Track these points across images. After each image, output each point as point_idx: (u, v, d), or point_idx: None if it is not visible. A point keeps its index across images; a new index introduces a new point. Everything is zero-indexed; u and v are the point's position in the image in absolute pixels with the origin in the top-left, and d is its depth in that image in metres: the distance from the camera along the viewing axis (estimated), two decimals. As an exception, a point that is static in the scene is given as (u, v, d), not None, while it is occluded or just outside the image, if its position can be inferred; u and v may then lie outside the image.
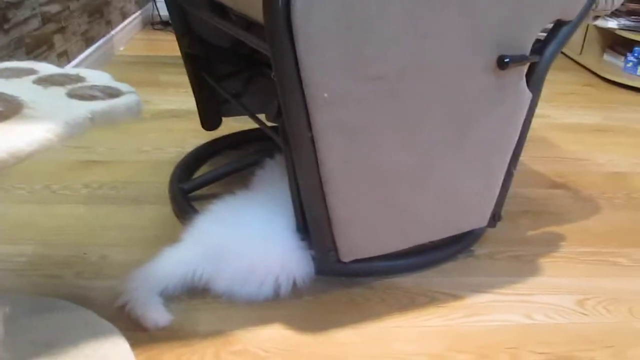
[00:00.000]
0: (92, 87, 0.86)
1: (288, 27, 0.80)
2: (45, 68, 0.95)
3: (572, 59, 2.94)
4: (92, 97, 0.81)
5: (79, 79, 0.90)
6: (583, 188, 1.55)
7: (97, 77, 0.92)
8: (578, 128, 2.02)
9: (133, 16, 2.93)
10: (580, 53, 2.88)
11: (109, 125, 0.80)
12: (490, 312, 1.03)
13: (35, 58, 1.74)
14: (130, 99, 0.83)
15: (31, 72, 0.92)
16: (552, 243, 1.28)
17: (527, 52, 0.99)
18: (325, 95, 0.84)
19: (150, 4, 3.22)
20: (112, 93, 0.84)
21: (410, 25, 0.86)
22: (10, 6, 1.58)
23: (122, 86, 0.88)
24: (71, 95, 0.82)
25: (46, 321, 0.90)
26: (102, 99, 0.81)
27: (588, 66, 2.79)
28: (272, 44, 0.82)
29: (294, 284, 1.03)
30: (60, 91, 0.83)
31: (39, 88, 0.84)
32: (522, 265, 1.19)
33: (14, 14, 1.60)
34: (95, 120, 0.77)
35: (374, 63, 0.86)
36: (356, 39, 0.83)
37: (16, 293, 0.97)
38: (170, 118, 1.87)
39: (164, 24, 3.16)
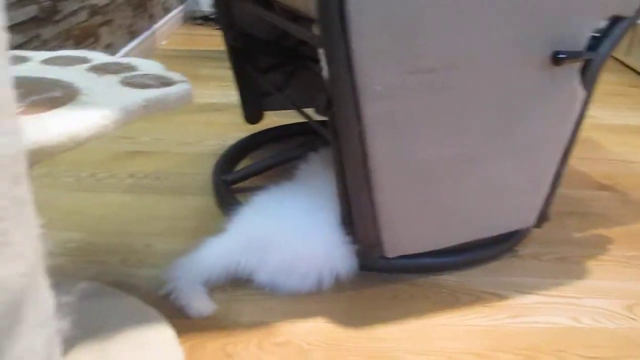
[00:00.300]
0: (145, 75, 0.87)
1: (341, 20, 0.80)
2: (98, 57, 0.97)
3: (618, 60, 2.87)
4: (146, 85, 0.82)
5: (131, 67, 0.91)
6: (630, 190, 1.51)
7: (149, 66, 0.93)
8: (625, 129, 1.97)
9: (175, 11, 2.96)
10: (627, 54, 2.81)
11: (161, 113, 0.81)
12: (536, 314, 1.01)
13: (83, 49, 1.77)
14: (182, 87, 0.84)
15: (84, 60, 0.94)
16: (599, 245, 1.24)
17: (582, 48, 0.96)
18: (377, 87, 0.83)
19: (191, -1, 3.26)
20: (165, 82, 0.84)
21: (462, 18, 0.85)
22: (61, -2, 1.62)
23: (173, 75, 0.88)
24: (125, 83, 0.83)
25: (94, 306, 0.92)
26: (155, 87, 0.82)
27: (635, 67, 2.72)
28: (325, 36, 0.82)
29: (337, 278, 1.02)
30: (113, 79, 0.84)
31: (93, 76, 0.85)
32: (568, 267, 1.16)
33: (63, 6, 1.63)
34: (149, 108, 0.78)
35: (425, 56, 0.85)
36: (408, 32, 0.82)
37: (66, 277, 0.98)
38: (211, 111, 1.88)
39: (205, 19, 3.19)
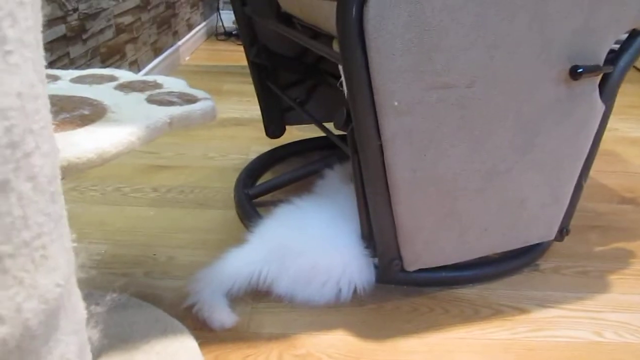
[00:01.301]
0: (170, 93, 0.90)
1: (360, 36, 0.82)
2: (125, 75, 1.00)
3: (638, 69, 2.84)
4: (170, 103, 0.85)
5: (156, 85, 0.94)
6: (654, 204, 1.49)
7: (174, 84, 0.96)
8: (648, 142, 1.95)
9: (198, 27, 3.02)
10: (650, 65, 2.78)
11: (185, 129, 0.84)
12: (557, 328, 1.01)
13: (109, 66, 1.82)
14: (205, 104, 0.86)
15: (112, 78, 0.97)
16: (621, 259, 1.24)
17: (601, 62, 0.97)
18: (396, 103, 0.85)
19: (214, 16, 3.32)
20: (189, 99, 0.87)
21: (482, 34, 0.86)
22: (88, 17, 1.66)
23: (197, 92, 0.91)
24: (150, 100, 0.85)
25: (119, 317, 0.94)
26: (180, 104, 0.84)
27: (659, 79, 2.69)
28: (345, 53, 0.84)
29: (355, 290, 1.03)
30: (139, 97, 0.87)
31: (120, 94, 0.88)
32: (590, 281, 1.15)
33: (91, 25, 1.68)
34: (174, 125, 0.80)
35: (445, 72, 0.86)
36: (427, 48, 0.84)
37: (93, 289, 1.01)
38: (234, 126, 1.91)
39: (227, 35, 3.25)
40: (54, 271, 0.26)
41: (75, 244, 0.31)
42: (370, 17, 0.80)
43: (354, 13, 0.80)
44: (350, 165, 1.26)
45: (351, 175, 1.20)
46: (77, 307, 0.30)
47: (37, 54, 0.25)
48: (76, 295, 0.31)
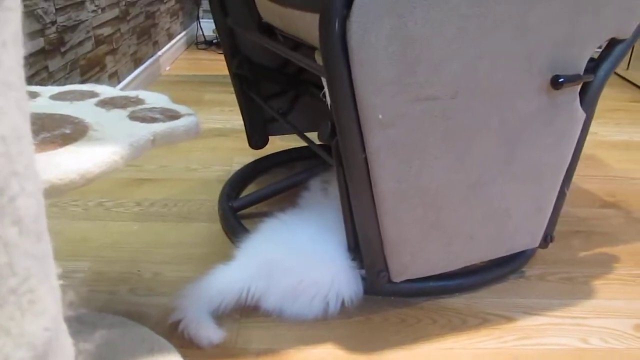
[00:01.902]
0: (152, 109, 0.89)
1: (344, 50, 0.81)
2: (106, 91, 0.99)
3: (619, 75, 2.88)
4: (153, 119, 0.84)
5: (138, 101, 0.93)
6: (634, 207, 1.51)
7: (156, 99, 0.95)
8: (627, 146, 1.98)
9: (178, 37, 3.00)
10: (627, 68, 2.83)
11: (167, 146, 0.83)
12: (544, 335, 1.01)
13: (89, 79, 1.80)
14: (189, 120, 0.85)
15: (93, 94, 0.96)
16: (605, 264, 1.25)
17: (581, 71, 0.98)
18: (380, 116, 0.85)
19: (194, 25, 3.30)
20: (172, 115, 0.86)
21: (464, 46, 0.86)
22: (67, 29, 1.64)
23: (180, 108, 0.90)
24: (133, 117, 0.84)
25: (104, 337, 0.93)
26: (162, 120, 0.83)
27: (635, 82, 2.74)
28: (328, 66, 0.83)
29: (344, 303, 1.03)
30: (122, 113, 0.86)
31: (102, 110, 0.87)
32: (575, 287, 1.16)
33: (70, 37, 1.66)
34: (156, 142, 0.80)
35: (428, 84, 0.87)
36: (410, 61, 0.84)
37: (81, 326, 0.99)
38: (216, 137, 1.90)
39: (208, 44, 3.23)
40: (42, 315, 0.25)
41: (62, 282, 0.30)
42: (353, 30, 0.80)
43: (336, 27, 0.80)
44: (330, 176, 1.27)
45: (328, 185, 1.20)
46: (65, 347, 0.29)
47: (21, 92, 0.25)
48: (64, 334, 0.30)
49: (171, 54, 2.83)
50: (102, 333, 0.92)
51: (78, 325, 0.93)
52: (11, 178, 0.22)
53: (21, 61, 0.26)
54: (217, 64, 2.87)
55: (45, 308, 0.26)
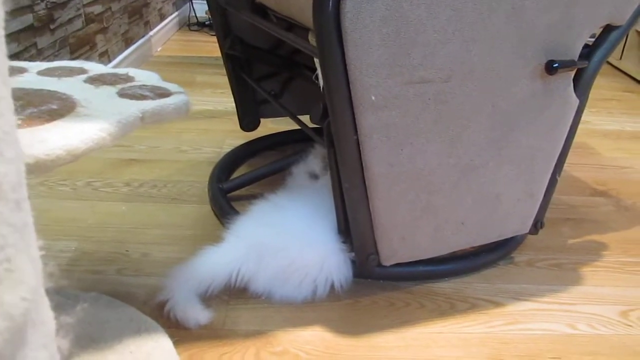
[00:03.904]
0: (142, 86, 0.87)
1: (337, 30, 0.80)
2: (95, 67, 0.97)
3: (611, 65, 2.89)
4: (142, 97, 0.82)
5: (128, 78, 0.91)
6: (625, 196, 1.52)
7: (146, 77, 0.93)
8: (619, 135, 1.98)
9: (170, 17, 2.97)
10: (620, 58, 2.83)
11: (157, 124, 0.82)
12: (532, 321, 1.02)
13: (78, 57, 1.78)
14: (179, 99, 0.84)
15: (82, 71, 0.94)
16: (594, 252, 1.25)
17: (576, 57, 0.97)
18: (373, 98, 0.84)
19: (187, 6, 3.26)
20: (162, 93, 0.85)
21: (459, 29, 0.85)
22: (57, 6, 1.62)
23: (170, 86, 0.89)
24: (122, 94, 0.83)
25: (91, 316, 0.92)
26: (152, 98, 0.82)
27: (628, 72, 2.74)
28: (321, 47, 0.82)
29: (333, 286, 1.03)
30: (111, 90, 0.85)
31: (91, 87, 0.86)
32: (564, 273, 1.17)
33: (59, 14, 1.63)
34: (146, 120, 0.78)
35: (421, 66, 0.86)
36: (404, 43, 0.83)
37: (63, 288, 0.98)
38: (207, 118, 1.89)
39: (200, 25, 3.20)
40: (20, 285, 0.24)
41: (43, 252, 0.29)
42: (347, 10, 0.78)
43: (330, 6, 0.79)
44: (315, 160, 1.26)
45: (314, 171, 1.20)
46: (45, 320, 0.29)
47: (3, 66, 0.24)
48: (45, 306, 0.29)
49: (163, 34, 2.80)
50: (85, 308, 0.91)
51: (60, 298, 0.92)
52: (-13, 144, 0.22)
53: (1, 24, 0.25)
54: (209, 46, 2.84)
55: (24, 278, 0.25)
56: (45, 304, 0.30)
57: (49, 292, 0.30)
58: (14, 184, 0.25)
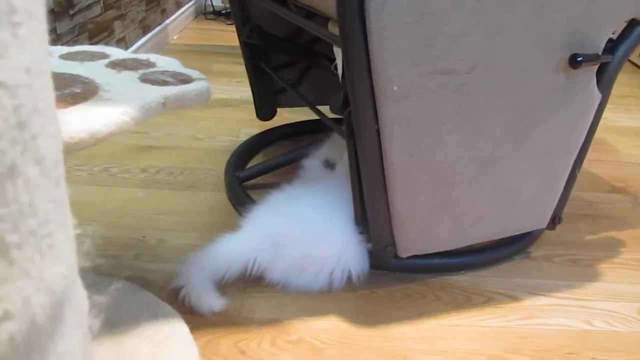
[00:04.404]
0: (164, 72, 0.87)
1: (361, 19, 0.80)
2: (117, 52, 0.97)
3: (630, 61, 2.85)
4: (164, 82, 0.82)
5: (149, 64, 0.91)
6: (643, 194, 1.50)
7: (168, 63, 0.93)
8: (637, 132, 1.96)
9: (187, 5, 2.97)
10: (639, 55, 2.79)
11: (177, 110, 0.82)
12: (549, 316, 1.01)
13: (97, 43, 1.78)
14: (200, 85, 0.84)
15: (103, 56, 0.94)
16: (611, 248, 1.24)
17: (600, 51, 0.96)
18: (395, 88, 0.83)
19: (203, -6, 3.26)
20: (183, 79, 0.85)
21: (483, 20, 0.84)
22: (76, -8, 1.62)
23: (192, 72, 0.89)
24: (144, 79, 0.83)
25: (110, 300, 0.92)
26: (174, 84, 0.82)
27: (647, 69, 2.71)
28: (345, 36, 0.82)
29: (349, 276, 1.03)
30: (132, 75, 0.85)
31: (112, 72, 0.86)
32: (581, 269, 1.16)
33: (78, 0, 1.64)
34: (167, 105, 0.78)
35: (445, 57, 0.85)
36: (428, 33, 0.82)
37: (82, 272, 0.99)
38: (223, 107, 1.88)
39: (216, 14, 3.19)
40: (60, 261, 0.24)
41: (78, 231, 0.29)
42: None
43: (355, -5, 0.78)
44: (330, 148, 1.26)
45: (326, 161, 1.19)
46: (79, 298, 0.29)
47: (43, 27, 0.24)
48: (79, 285, 0.29)
49: (179, 22, 2.79)
50: (107, 296, 0.92)
51: (95, 277, 0.93)
52: (34, 114, 0.21)
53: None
54: (225, 35, 2.84)
55: (63, 255, 0.25)
56: (78, 282, 0.30)
57: (84, 270, 0.30)
58: (55, 160, 0.25)
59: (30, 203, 0.22)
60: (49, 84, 0.25)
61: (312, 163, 1.28)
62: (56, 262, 0.24)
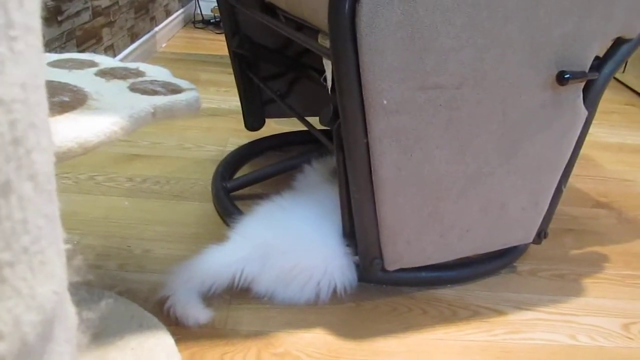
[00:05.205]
0: (153, 81, 0.87)
1: (352, 33, 0.80)
2: (106, 61, 0.97)
3: (615, 78, 2.89)
4: (154, 92, 0.82)
5: (139, 73, 0.91)
6: (627, 209, 1.52)
7: (157, 72, 0.93)
8: (621, 148, 1.99)
9: (176, 14, 2.96)
10: (624, 72, 2.83)
11: (168, 120, 0.81)
12: (534, 330, 1.02)
13: (85, 51, 1.77)
14: (190, 95, 0.84)
15: (92, 64, 0.94)
16: (596, 263, 1.25)
17: (587, 68, 0.97)
18: (385, 102, 0.84)
19: (192, 3, 3.26)
20: (173, 89, 0.84)
21: (473, 36, 0.85)
22: (65, -2, 1.61)
23: (181, 82, 0.89)
24: (133, 89, 0.83)
25: (93, 311, 0.91)
26: (164, 94, 0.82)
27: (631, 85, 2.75)
28: (335, 49, 0.82)
29: (336, 289, 1.02)
30: (122, 84, 0.84)
31: (102, 80, 0.85)
32: (566, 284, 1.16)
33: (67, 7, 1.63)
34: (157, 115, 0.78)
35: (434, 72, 0.85)
36: (419, 48, 0.83)
37: (89, 294, 0.97)
38: (211, 116, 1.88)
39: (205, 23, 3.19)
40: (52, 278, 0.24)
41: (69, 246, 0.29)
42: (362, 13, 0.78)
43: (346, 9, 0.78)
44: (330, 161, 1.26)
45: (332, 172, 1.19)
46: (69, 314, 0.28)
47: (39, 39, 0.23)
48: (68, 301, 0.29)
49: (168, 31, 2.79)
50: (91, 307, 0.91)
51: (85, 293, 0.91)
52: (29, 129, 0.21)
53: (39, 6, 0.24)
54: (214, 44, 2.84)
55: (54, 271, 0.25)
56: (68, 298, 0.29)
57: (75, 285, 0.30)
58: (48, 174, 0.24)
59: (24, 220, 0.21)
60: (43, 97, 0.24)
61: (313, 171, 1.27)
62: (47, 280, 0.24)
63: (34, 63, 0.22)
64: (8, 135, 0.19)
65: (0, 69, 0.19)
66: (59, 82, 0.80)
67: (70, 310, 0.29)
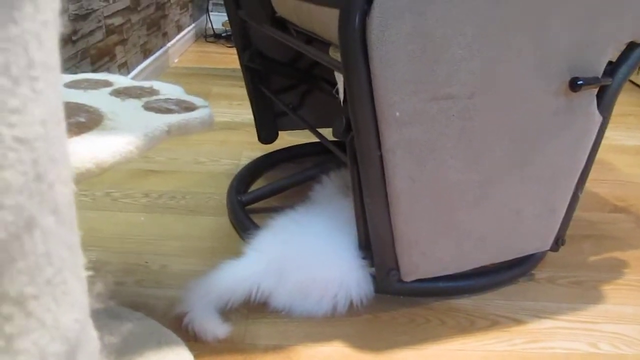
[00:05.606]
0: (167, 100, 0.88)
1: (363, 46, 0.80)
2: (120, 80, 0.98)
3: (630, 80, 2.86)
4: (168, 110, 0.83)
5: (153, 91, 0.92)
6: (645, 213, 1.50)
7: (170, 90, 0.94)
8: (638, 151, 1.97)
9: (187, 29, 2.99)
10: (638, 73, 2.81)
11: (182, 137, 0.82)
12: (554, 339, 1.01)
13: (99, 69, 1.79)
14: (203, 112, 0.85)
15: (107, 84, 0.95)
16: (615, 269, 1.24)
17: (600, 74, 0.97)
18: (397, 114, 0.84)
19: (204, 17, 3.29)
20: (187, 106, 0.85)
21: (483, 47, 0.85)
22: (79, 18, 1.63)
23: (195, 100, 0.89)
24: (147, 107, 0.84)
25: (112, 328, 0.92)
26: (178, 112, 0.83)
27: (646, 87, 2.72)
28: (347, 62, 0.82)
29: (353, 301, 1.02)
30: (136, 103, 0.85)
31: (117, 100, 0.86)
32: (585, 291, 1.15)
33: (81, 26, 1.65)
34: (171, 133, 0.79)
35: (446, 83, 0.86)
36: (429, 60, 0.83)
37: (104, 300, 0.98)
38: (224, 130, 1.89)
39: (216, 37, 3.22)
40: (74, 306, 0.24)
41: (90, 273, 0.29)
42: (373, 27, 0.79)
43: (357, 22, 0.79)
44: (346, 173, 1.26)
45: (348, 184, 1.19)
46: (91, 340, 0.29)
47: (58, 75, 0.24)
48: (91, 327, 0.29)
49: (180, 46, 2.82)
50: (110, 324, 0.92)
51: (106, 318, 0.92)
52: (50, 164, 0.22)
53: (57, 43, 0.25)
54: (225, 57, 2.86)
55: (76, 299, 0.25)
56: (90, 323, 0.30)
57: (96, 312, 0.30)
58: (69, 205, 0.25)
59: (47, 253, 0.22)
60: (63, 130, 0.25)
61: (330, 182, 1.27)
62: (70, 309, 0.24)
63: (53, 100, 0.22)
64: (32, 172, 0.20)
65: (22, 109, 0.19)
66: (75, 103, 0.82)
67: (92, 336, 0.29)
